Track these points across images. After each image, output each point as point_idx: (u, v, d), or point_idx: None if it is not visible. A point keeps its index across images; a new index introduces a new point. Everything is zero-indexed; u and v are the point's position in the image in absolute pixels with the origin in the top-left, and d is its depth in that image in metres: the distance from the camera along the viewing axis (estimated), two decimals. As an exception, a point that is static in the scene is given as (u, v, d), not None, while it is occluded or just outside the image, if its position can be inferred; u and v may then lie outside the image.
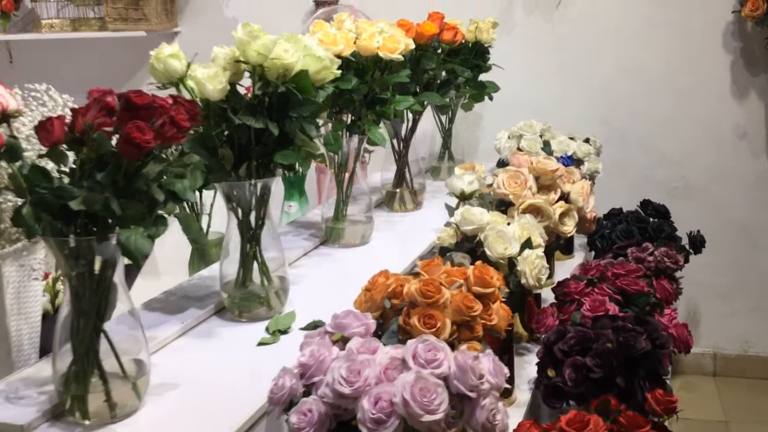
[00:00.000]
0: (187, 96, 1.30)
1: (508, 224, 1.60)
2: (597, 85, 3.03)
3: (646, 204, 2.42)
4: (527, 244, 1.53)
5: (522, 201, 1.73)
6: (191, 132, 1.30)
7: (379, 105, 1.80)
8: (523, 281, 1.49)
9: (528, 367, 1.61)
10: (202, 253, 1.87)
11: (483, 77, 2.52)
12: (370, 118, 1.77)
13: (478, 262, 1.28)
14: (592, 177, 2.51)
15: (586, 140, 2.59)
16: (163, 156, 1.04)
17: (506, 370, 1.05)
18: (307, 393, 1.01)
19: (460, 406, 1.00)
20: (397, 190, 2.23)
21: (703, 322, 3.10)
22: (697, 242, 2.28)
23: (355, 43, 1.70)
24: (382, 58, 1.71)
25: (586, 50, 3.02)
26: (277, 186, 3.01)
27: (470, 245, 1.55)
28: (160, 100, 1.02)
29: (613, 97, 3.03)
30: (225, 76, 1.25)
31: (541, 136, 2.54)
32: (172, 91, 1.33)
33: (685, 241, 2.24)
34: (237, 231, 1.43)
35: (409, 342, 1.03)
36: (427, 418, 0.94)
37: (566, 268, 2.07)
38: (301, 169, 2.28)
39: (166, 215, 1.02)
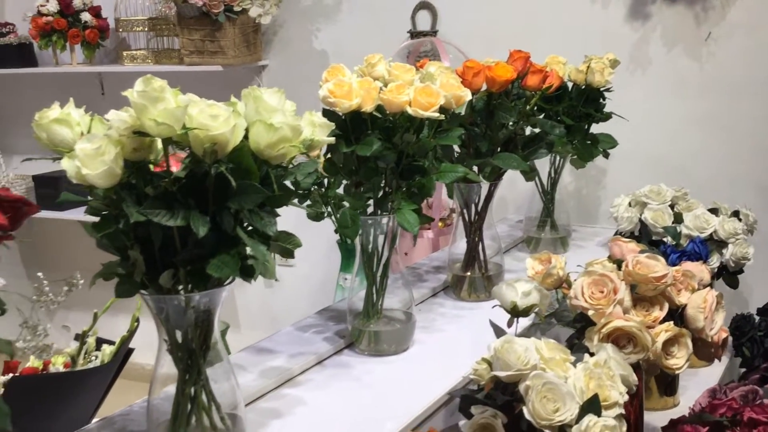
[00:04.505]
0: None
1: (574, 363, 1.10)
2: (755, 140, 2.38)
3: (814, 301, 1.85)
4: (592, 405, 1.01)
5: (605, 322, 1.21)
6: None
7: (419, 175, 1.34)
8: (578, 469, 0.98)
9: None
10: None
11: (599, 128, 2.00)
12: (399, 193, 1.31)
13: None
14: (737, 265, 1.93)
15: (735, 213, 2.00)
16: None
17: None
18: None
19: None
20: (467, 274, 1.75)
21: None
22: None
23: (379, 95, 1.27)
24: (412, 116, 1.26)
25: (741, 96, 2.36)
26: (333, 252, 2.56)
27: (506, 398, 1.06)
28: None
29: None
30: (112, 154, 0.85)
31: (672, 207, 1.99)
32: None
33: None
34: (169, 357, 1.03)
35: None
36: None
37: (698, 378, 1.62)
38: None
39: None
